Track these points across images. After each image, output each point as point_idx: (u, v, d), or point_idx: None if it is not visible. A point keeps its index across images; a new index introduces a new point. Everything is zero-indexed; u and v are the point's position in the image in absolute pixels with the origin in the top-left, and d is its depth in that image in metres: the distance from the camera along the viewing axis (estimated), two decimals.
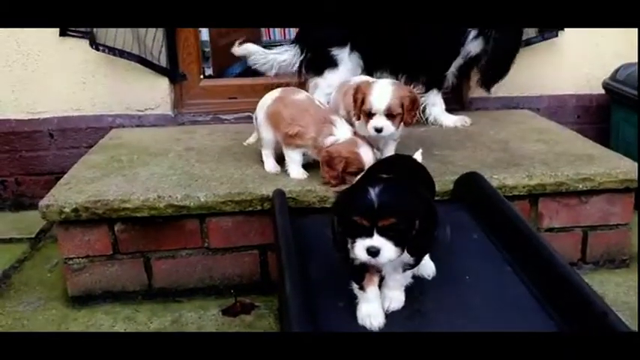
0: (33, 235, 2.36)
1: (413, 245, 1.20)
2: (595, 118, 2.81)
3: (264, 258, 1.92)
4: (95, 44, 2.38)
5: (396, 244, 1.16)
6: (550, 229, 1.99)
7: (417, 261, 1.28)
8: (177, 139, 2.34)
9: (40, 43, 2.48)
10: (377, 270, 1.28)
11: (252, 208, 1.83)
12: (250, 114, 2.66)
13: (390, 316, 1.31)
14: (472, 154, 2.10)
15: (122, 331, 1.76)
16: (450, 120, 2.47)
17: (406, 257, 1.23)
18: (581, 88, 2.79)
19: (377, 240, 1.15)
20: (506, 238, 1.53)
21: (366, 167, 1.71)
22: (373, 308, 1.29)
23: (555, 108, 2.79)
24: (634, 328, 1.70)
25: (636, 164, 1.98)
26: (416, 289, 1.38)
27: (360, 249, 1.17)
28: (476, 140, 2.27)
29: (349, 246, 1.20)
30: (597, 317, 1.15)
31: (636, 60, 2.51)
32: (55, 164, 2.56)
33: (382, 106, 1.76)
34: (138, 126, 2.59)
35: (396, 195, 1.18)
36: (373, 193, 1.15)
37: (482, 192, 1.70)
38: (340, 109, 2.00)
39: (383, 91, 1.77)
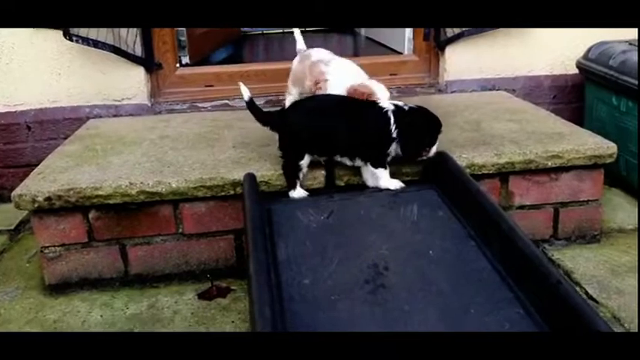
0: (12, 227, 2.37)
1: None
2: (571, 98, 2.84)
3: (239, 243, 1.94)
4: (69, 35, 2.37)
5: None
6: (521, 207, 2.02)
7: None
8: (152, 128, 2.35)
9: (14, 34, 2.48)
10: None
11: (225, 193, 1.85)
12: (227, 101, 2.70)
13: (353, 291, 1.34)
14: (443, 135, 2.09)
15: (99, 317, 1.78)
16: None
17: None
18: (556, 68, 2.80)
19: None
20: (470, 214, 1.56)
21: None
22: (391, 179, 1.82)
23: (531, 89, 2.81)
24: (600, 298, 1.75)
25: (605, 140, 2.01)
26: (380, 265, 1.41)
27: (433, 152, 1.82)
28: (449, 122, 2.27)
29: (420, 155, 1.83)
30: (551, 286, 1.18)
31: (609, 38, 2.53)
32: (34, 156, 2.57)
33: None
34: (115, 116, 2.60)
35: None
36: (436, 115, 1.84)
37: (448, 171, 1.73)
38: (306, 80, 2.13)
39: (383, 89, 1.94)
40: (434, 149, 1.82)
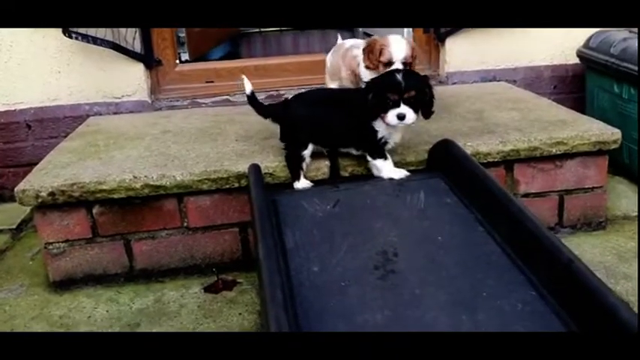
0: (14, 226, 2.35)
1: (427, 109, 1.71)
2: (571, 88, 2.84)
3: (244, 235, 1.93)
4: (68, 32, 2.36)
5: (415, 111, 1.66)
6: (526, 195, 2.02)
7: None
8: (154, 124, 2.34)
9: (13, 32, 2.46)
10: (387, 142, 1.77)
11: (230, 186, 1.84)
12: (228, 97, 2.69)
13: (362, 277, 1.33)
14: (447, 125, 2.12)
15: (104, 312, 1.77)
16: None
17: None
18: (556, 58, 2.81)
19: (403, 108, 1.64)
20: (478, 199, 1.55)
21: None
22: (394, 168, 1.80)
23: (531, 79, 2.81)
24: (608, 283, 1.73)
25: (609, 126, 2.01)
26: (389, 251, 1.40)
27: (392, 116, 1.65)
28: (451, 111, 2.28)
29: (380, 118, 1.69)
30: (563, 265, 1.17)
31: (608, 28, 2.53)
32: (34, 155, 2.55)
33: (400, 56, 1.95)
34: (115, 113, 2.59)
35: (413, 76, 1.68)
36: (399, 76, 1.64)
37: (454, 158, 1.72)
38: (342, 69, 2.12)
39: (400, 43, 1.97)
40: (400, 111, 1.63)
